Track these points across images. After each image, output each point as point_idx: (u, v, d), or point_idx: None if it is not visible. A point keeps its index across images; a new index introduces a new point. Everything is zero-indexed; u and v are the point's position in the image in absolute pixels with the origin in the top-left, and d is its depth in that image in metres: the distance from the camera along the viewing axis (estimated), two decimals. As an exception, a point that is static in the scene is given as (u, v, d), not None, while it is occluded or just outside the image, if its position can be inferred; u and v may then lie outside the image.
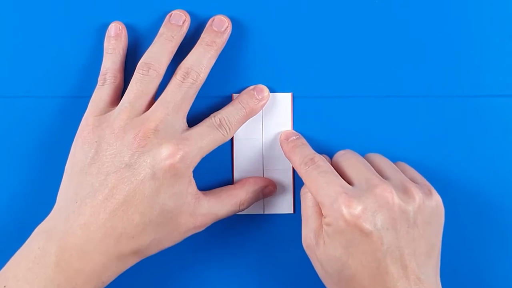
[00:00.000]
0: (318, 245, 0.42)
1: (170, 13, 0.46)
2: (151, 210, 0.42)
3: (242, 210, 0.47)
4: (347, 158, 0.44)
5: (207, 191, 0.46)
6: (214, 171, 0.48)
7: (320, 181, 0.42)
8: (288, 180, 0.48)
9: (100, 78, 0.46)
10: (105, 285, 0.43)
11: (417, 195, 0.42)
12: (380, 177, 0.42)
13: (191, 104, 0.45)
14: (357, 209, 0.40)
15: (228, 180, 0.49)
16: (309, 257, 0.44)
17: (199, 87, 0.45)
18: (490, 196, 0.48)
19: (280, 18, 0.48)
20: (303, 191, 0.45)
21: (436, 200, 0.43)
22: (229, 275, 0.49)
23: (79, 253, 0.41)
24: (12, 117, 0.48)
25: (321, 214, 0.43)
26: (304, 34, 0.48)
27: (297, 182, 0.48)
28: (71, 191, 0.43)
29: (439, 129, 0.48)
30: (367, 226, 0.40)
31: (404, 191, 0.42)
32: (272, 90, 0.48)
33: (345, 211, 0.40)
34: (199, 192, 0.45)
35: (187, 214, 0.44)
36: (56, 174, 0.45)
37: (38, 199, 0.48)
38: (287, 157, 0.46)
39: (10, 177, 0.48)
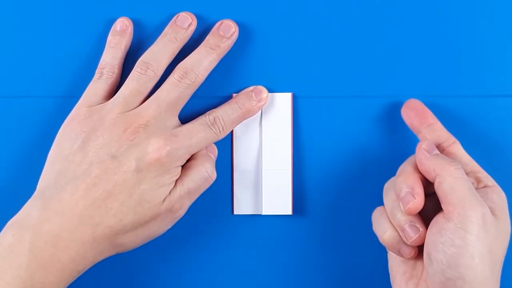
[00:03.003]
0: (495, 217, 0.40)
1: (177, 15, 0.46)
2: (130, 200, 0.42)
3: (211, 172, 0.45)
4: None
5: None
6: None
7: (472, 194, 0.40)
8: (287, 180, 0.48)
9: (97, 71, 0.46)
10: (80, 274, 0.43)
11: None
12: None
13: (185, 103, 0.45)
14: None
15: (227, 180, 0.49)
16: (480, 230, 0.39)
17: (196, 88, 0.45)
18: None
19: (280, 18, 0.48)
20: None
21: None
22: (227, 276, 0.49)
23: (53, 240, 0.41)
24: (12, 117, 0.48)
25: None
26: (304, 35, 0.48)
27: (296, 183, 0.48)
28: (52, 178, 0.43)
29: (439, 129, 0.48)
30: None
31: None
32: (272, 90, 0.48)
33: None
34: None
35: (166, 203, 0.43)
36: (56, 174, 0.45)
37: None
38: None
39: (10, 177, 0.49)
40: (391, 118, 0.48)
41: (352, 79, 0.48)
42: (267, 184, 0.48)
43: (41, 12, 0.48)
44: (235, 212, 0.49)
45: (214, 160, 0.47)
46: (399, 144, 0.48)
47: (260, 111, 0.48)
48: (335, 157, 0.48)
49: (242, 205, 0.49)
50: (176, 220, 0.45)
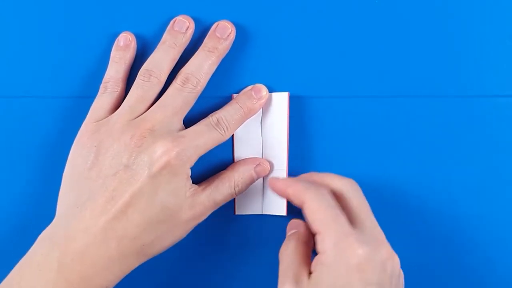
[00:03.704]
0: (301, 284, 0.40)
1: (174, 19, 0.46)
2: (151, 209, 0.42)
3: (239, 192, 0.46)
4: (355, 195, 0.43)
5: (201, 182, 0.46)
6: (215, 171, 0.48)
7: (329, 218, 0.40)
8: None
9: (101, 86, 0.46)
10: None
11: (397, 262, 0.41)
12: (381, 230, 0.42)
13: (190, 108, 0.45)
14: (364, 255, 0.39)
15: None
16: None
17: (199, 93, 0.45)
18: (491, 196, 0.48)
19: (279, 18, 0.48)
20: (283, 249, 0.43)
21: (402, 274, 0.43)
22: (228, 276, 0.49)
23: (80, 257, 0.41)
24: (12, 117, 0.48)
25: (304, 261, 0.41)
26: (302, 34, 0.48)
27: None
28: (72, 197, 0.43)
29: (439, 129, 0.48)
30: (368, 276, 0.39)
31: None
32: (270, 90, 0.48)
33: (353, 252, 0.39)
34: (194, 185, 0.45)
35: (186, 208, 0.43)
36: (56, 174, 0.45)
37: (38, 200, 0.48)
38: (287, 186, 0.43)
39: (10, 178, 0.49)
40: (391, 118, 0.48)
41: (352, 79, 0.48)
42: (266, 184, 0.48)
43: (41, 12, 0.48)
44: (237, 213, 0.49)
45: (256, 179, 0.47)
46: (399, 144, 0.48)
47: (260, 111, 0.48)
48: (334, 157, 0.48)
49: (244, 206, 0.49)
50: (197, 223, 0.45)
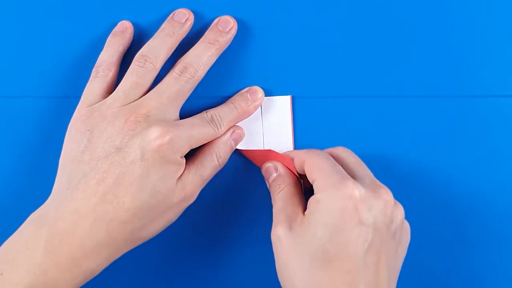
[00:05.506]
0: (293, 229, 0.42)
1: (174, 11, 0.47)
2: (142, 193, 0.42)
3: (222, 162, 0.46)
4: (349, 155, 0.45)
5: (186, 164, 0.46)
6: (218, 175, 0.47)
7: (327, 166, 0.42)
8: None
9: (93, 70, 0.46)
10: (96, 273, 0.42)
11: (401, 211, 0.42)
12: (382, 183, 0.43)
13: (185, 99, 0.45)
14: (360, 195, 0.40)
15: (232, 183, 0.49)
16: (277, 250, 0.42)
17: (196, 83, 0.45)
18: (491, 196, 0.48)
19: (280, 18, 0.48)
20: (275, 184, 0.45)
21: (407, 226, 0.44)
22: (225, 274, 0.49)
23: (68, 238, 0.41)
24: (11, 117, 0.48)
25: (298, 203, 0.43)
26: (304, 35, 0.48)
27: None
28: (64, 179, 0.43)
29: (439, 129, 0.48)
30: (363, 215, 0.40)
31: (395, 203, 0.42)
32: (271, 91, 0.48)
33: (349, 191, 0.40)
34: (181, 169, 0.44)
35: (177, 192, 0.43)
36: (55, 173, 0.45)
37: (37, 199, 0.48)
38: (288, 154, 0.46)
39: (9, 177, 0.49)
40: (391, 118, 0.48)
41: (352, 79, 0.48)
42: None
43: (41, 12, 0.48)
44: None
45: (234, 146, 0.47)
46: (399, 144, 0.48)
47: (260, 115, 0.47)
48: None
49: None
50: (188, 205, 0.45)
